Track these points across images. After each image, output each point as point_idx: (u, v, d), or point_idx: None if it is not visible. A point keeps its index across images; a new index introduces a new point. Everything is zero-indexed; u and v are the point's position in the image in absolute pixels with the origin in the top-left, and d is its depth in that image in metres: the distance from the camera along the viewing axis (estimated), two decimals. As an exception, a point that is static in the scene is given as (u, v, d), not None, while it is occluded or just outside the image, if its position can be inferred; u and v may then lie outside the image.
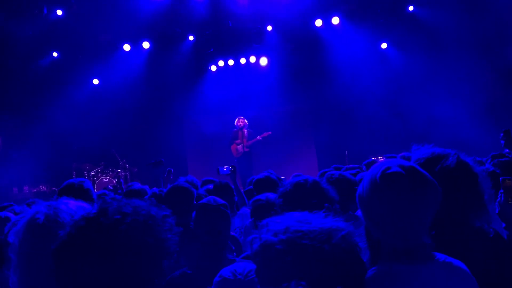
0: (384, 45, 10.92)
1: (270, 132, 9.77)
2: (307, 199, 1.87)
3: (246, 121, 9.81)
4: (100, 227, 0.99)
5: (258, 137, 9.66)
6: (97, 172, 10.63)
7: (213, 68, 11.75)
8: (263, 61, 11.43)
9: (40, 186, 10.39)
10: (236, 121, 9.84)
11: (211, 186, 4.48)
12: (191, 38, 11.00)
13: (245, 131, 9.71)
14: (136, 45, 11.02)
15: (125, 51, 11.02)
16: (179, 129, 11.96)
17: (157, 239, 1.03)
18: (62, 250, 0.99)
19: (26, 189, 10.33)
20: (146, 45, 10.96)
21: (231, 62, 11.61)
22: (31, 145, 10.07)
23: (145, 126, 11.43)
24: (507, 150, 4.21)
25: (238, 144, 9.67)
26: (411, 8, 10.24)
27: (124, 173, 10.24)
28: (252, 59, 11.45)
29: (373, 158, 9.76)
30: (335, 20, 10.46)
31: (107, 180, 10.44)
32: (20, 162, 10.07)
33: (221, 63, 11.63)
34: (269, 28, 10.77)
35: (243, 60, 11.52)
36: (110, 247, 0.97)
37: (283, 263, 0.92)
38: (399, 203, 1.25)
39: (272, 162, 9.95)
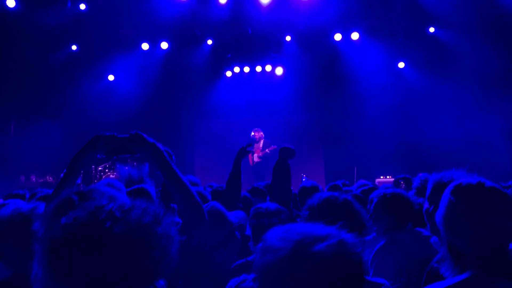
0: (401, 65, 10.85)
1: (275, 146, 9.89)
2: (335, 216, 1.77)
3: (262, 133, 10.00)
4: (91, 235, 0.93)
5: (266, 150, 9.84)
6: (105, 168, 10.64)
7: (228, 73, 11.77)
8: (279, 70, 11.42)
9: (47, 177, 10.43)
10: (252, 133, 9.98)
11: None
12: (209, 42, 11.04)
13: (261, 141, 9.92)
14: (154, 45, 11.09)
15: (143, 50, 11.10)
16: (190, 131, 11.96)
17: (161, 244, 0.98)
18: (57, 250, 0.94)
19: (33, 178, 10.37)
20: (164, 45, 11.02)
21: (246, 69, 11.62)
22: (41, 135, 10.14)
23: (156, 125, 11.42)
24: None
25: (253, 154, 9.92)
26: (432, 29, 10.18)
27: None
28: (268, 67, 11.45)
29: (382, 177, 9.65)
30: (355, 36, 10.42)
31: (114, 176, 10.44)
32: (29, 151, 10.13)
33: (236, 69, 11.64)
34: (288, 38, 10.77)
35: (258, 68, 11.52)
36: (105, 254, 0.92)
37: (281, 261, 0.98)
38: (473, 213, 1.37)
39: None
